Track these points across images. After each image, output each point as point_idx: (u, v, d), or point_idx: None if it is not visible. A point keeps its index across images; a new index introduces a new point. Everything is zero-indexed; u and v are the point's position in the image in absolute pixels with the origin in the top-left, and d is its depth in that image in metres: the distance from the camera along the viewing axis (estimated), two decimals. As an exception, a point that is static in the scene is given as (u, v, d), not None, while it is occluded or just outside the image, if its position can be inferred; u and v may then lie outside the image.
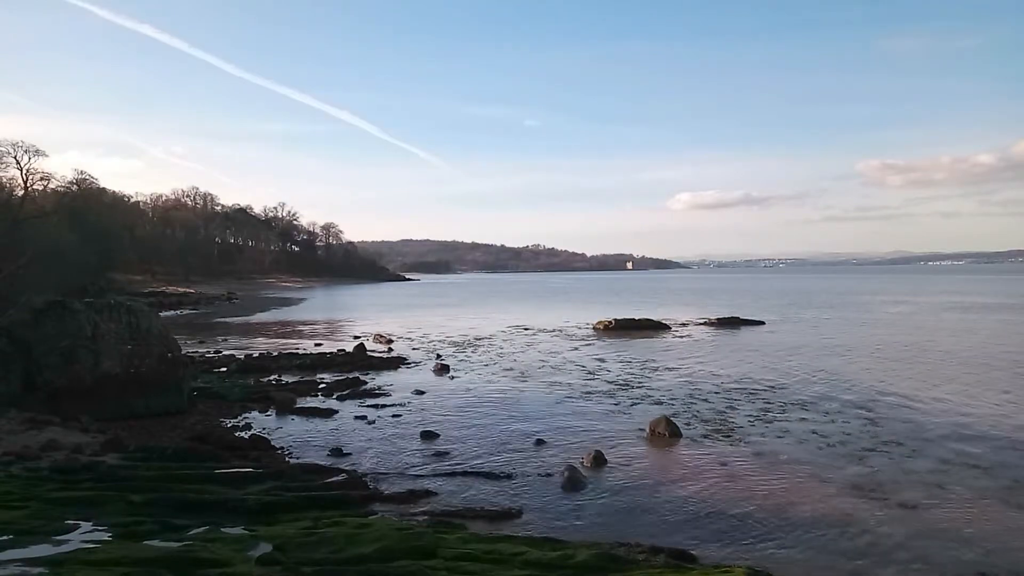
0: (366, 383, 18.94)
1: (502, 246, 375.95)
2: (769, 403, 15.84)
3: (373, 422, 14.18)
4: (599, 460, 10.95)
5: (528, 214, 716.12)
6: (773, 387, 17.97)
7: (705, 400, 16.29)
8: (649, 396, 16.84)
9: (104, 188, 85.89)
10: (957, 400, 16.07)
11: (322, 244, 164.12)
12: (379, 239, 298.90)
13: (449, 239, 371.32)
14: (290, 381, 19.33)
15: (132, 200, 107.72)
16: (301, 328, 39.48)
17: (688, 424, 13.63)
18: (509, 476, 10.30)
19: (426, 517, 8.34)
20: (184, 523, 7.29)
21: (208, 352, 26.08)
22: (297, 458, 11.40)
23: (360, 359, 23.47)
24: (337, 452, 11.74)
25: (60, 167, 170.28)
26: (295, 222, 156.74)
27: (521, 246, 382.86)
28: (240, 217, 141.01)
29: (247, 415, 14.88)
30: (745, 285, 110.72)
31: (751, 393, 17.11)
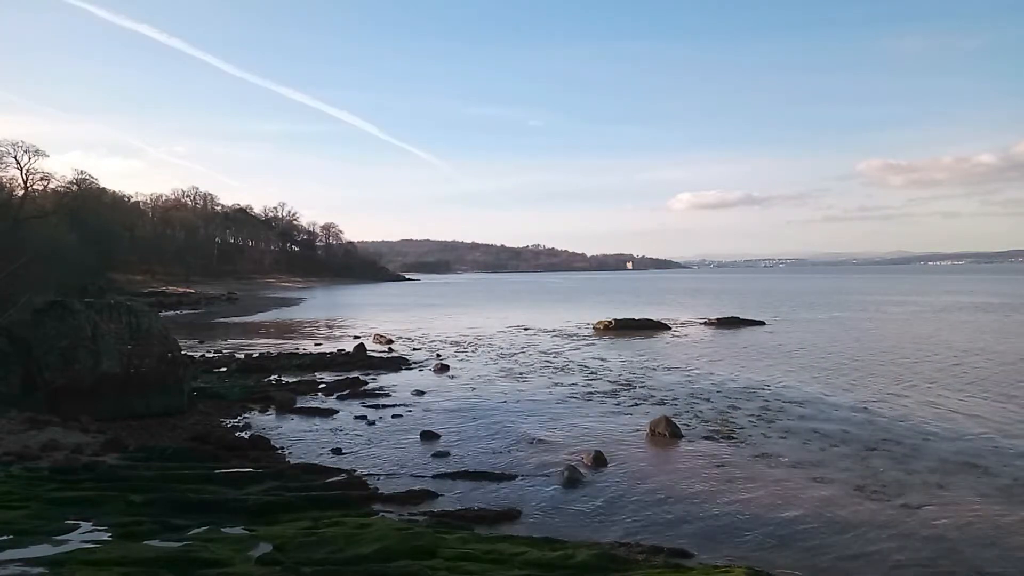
0: (366, 383, 18.92)
1: (502, 246, 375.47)
2: (769, 403, 15.84)
3: (373, 422, 14.17)
4: (599, 460, 10.95)
5: (528, 214, 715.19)
6: (773, 387, 17.98)
7: (705, 400, 16.29)
8: (649, 396, 16.84)
9: (104, 188, 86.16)
10: (957, 400, 16.07)
11: (322, 244, 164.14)
12: (379, 239, 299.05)
13: (449, 239, 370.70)
14: (290, 381, 19.32)
15: (132, 200, 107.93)
16: (301, 328, 39.49)
17: (688, 424, 13.63)
18: (509, 476, 10.30)
19: (426, 517, 8.34)
20: (184, 523, 7.28)
21: (208, 352, 26.08)
22: (297, 458, 11.38)
23: (360, 359, 23.46)
24: (337, 452, 11.74)
25: (60, 167, 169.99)
26: (295, 222, 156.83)
27: (521, 246, 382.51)
28: (240, 217, 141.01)
29: (247, 415, 14.88)
30: (745, 285, 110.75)
31: (751, 393, 17.11)
